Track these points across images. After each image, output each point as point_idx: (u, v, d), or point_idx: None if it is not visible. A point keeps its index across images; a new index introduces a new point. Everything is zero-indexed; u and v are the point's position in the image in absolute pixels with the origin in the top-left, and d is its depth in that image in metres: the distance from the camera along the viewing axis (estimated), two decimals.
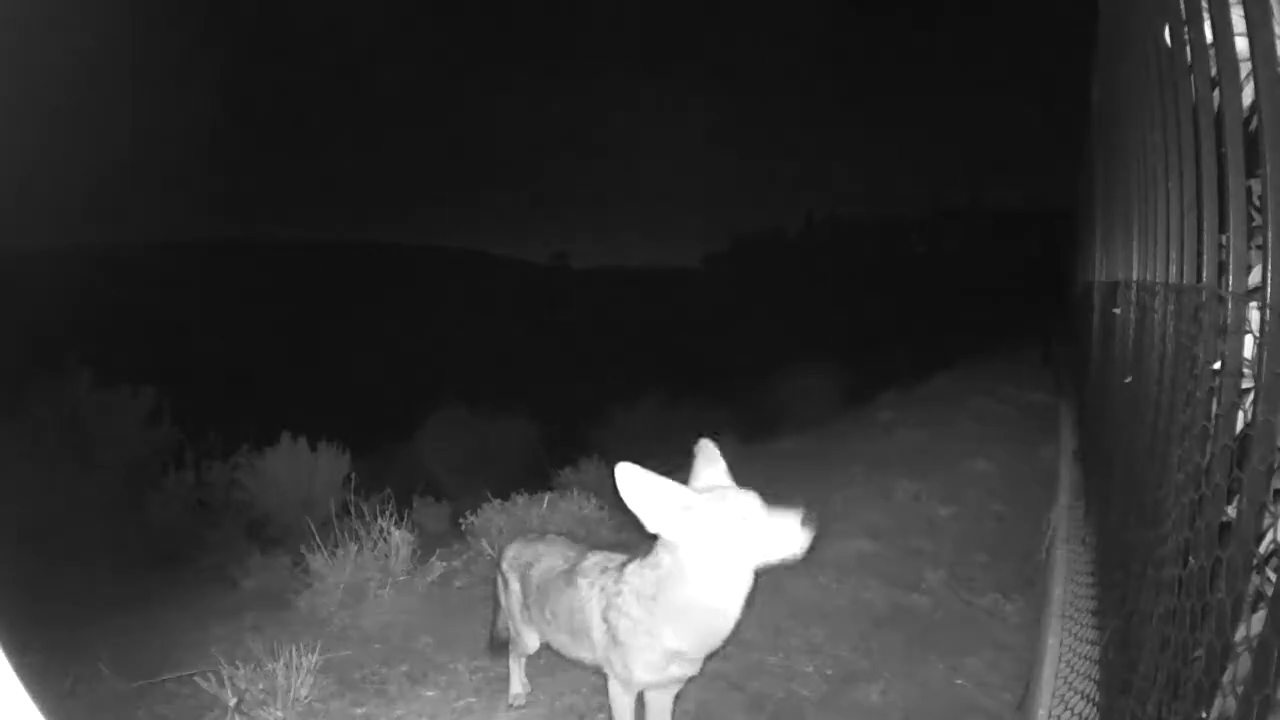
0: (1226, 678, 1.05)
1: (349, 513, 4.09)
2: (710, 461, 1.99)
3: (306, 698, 2.79)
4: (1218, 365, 1.18)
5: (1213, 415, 1.17)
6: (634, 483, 1.83)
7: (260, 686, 2.76)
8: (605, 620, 2.06)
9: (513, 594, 2.53)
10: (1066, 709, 2.15)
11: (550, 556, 2.42)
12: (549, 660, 2.86)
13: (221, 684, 2.76)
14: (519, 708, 2.72)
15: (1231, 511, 1.10)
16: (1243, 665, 1.01)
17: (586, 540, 4.36)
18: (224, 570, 5.09)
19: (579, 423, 13.37)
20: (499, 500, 4.74)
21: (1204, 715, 1.10)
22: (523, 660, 2.73)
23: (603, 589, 2.08)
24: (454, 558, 4.21)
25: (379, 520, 4.04)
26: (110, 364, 8.90)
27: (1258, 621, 1.05)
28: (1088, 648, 2.32)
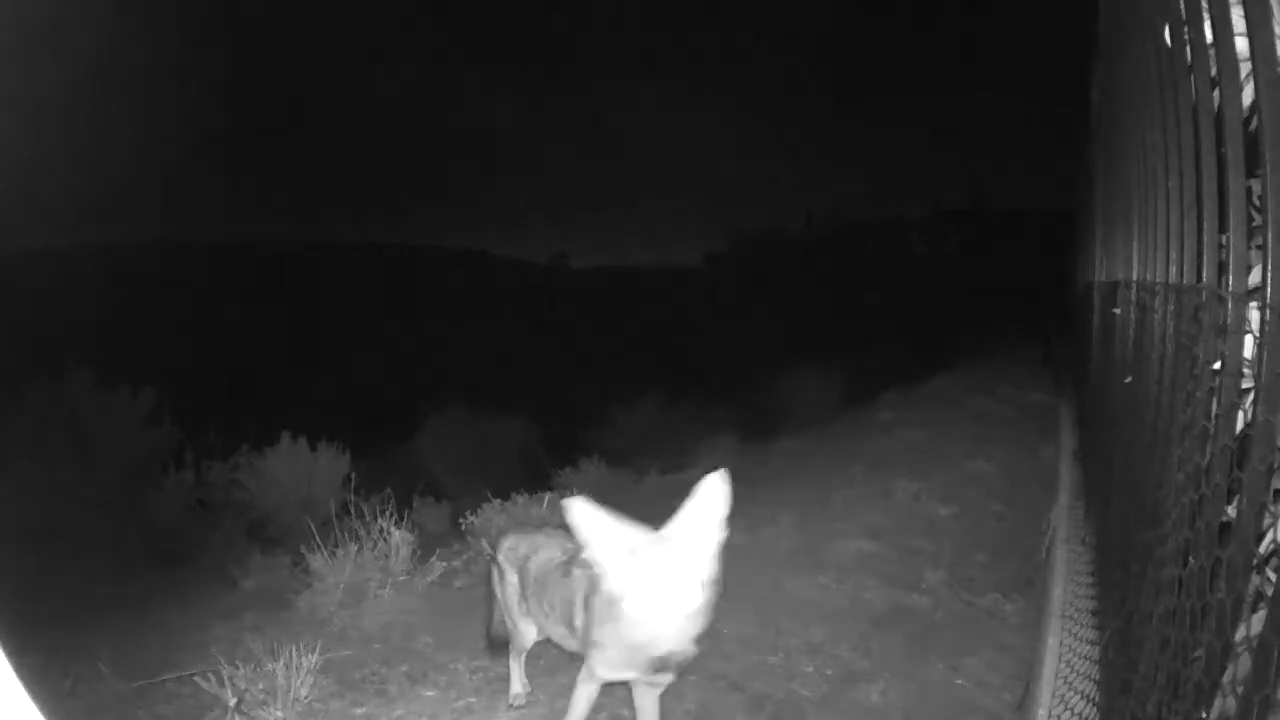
0: (1226, 678, 1.05)
1: (349, 513, 4.10)
2: (705, 502, 1.81)
3: (306, 698, 2.79)
4: (1218, 365, 1.18)
5: (1213, 415, 1.17)
6: (585, 519, 1.78)
7: (260, 686, 2.76)
8: (586, 608, 2.05)
9: (509, 586, 2.51)
10: (1066, 709, 2.15)
11: (548, 548, 2.41)
12: (549, 660, 2.86)
13: (221, 684, 2.76)
14: (519, 708, 2.72)
15: (1231, 511, 1.10)
16: (1243, 665, 1.01)
17: None
18: (224, 570, 5.09)
19: (579, 423, 13.37)
20: (499, 500, 4.75)
21: (1204, 715, 1.10)
22: (523, 659, 2.73)
23: (591, 579, 2.07)
24: (454, 558, 4.21)
25: (379, 520, 4.04)
26: (110, 364, 8.91)
27: (1258, 621, 1.05)
28: (1088, 648, 2.32)
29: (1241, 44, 1.08)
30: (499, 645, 2.76)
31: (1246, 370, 1.12)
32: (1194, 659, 1.13)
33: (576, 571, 2.17)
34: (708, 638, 1.87)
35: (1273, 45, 0.99)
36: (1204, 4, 1.22)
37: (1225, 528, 1.10)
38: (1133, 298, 2.26)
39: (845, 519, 4.47)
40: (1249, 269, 1.13)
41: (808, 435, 8.42)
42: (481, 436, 12.62)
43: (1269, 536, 1.06)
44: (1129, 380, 2.21)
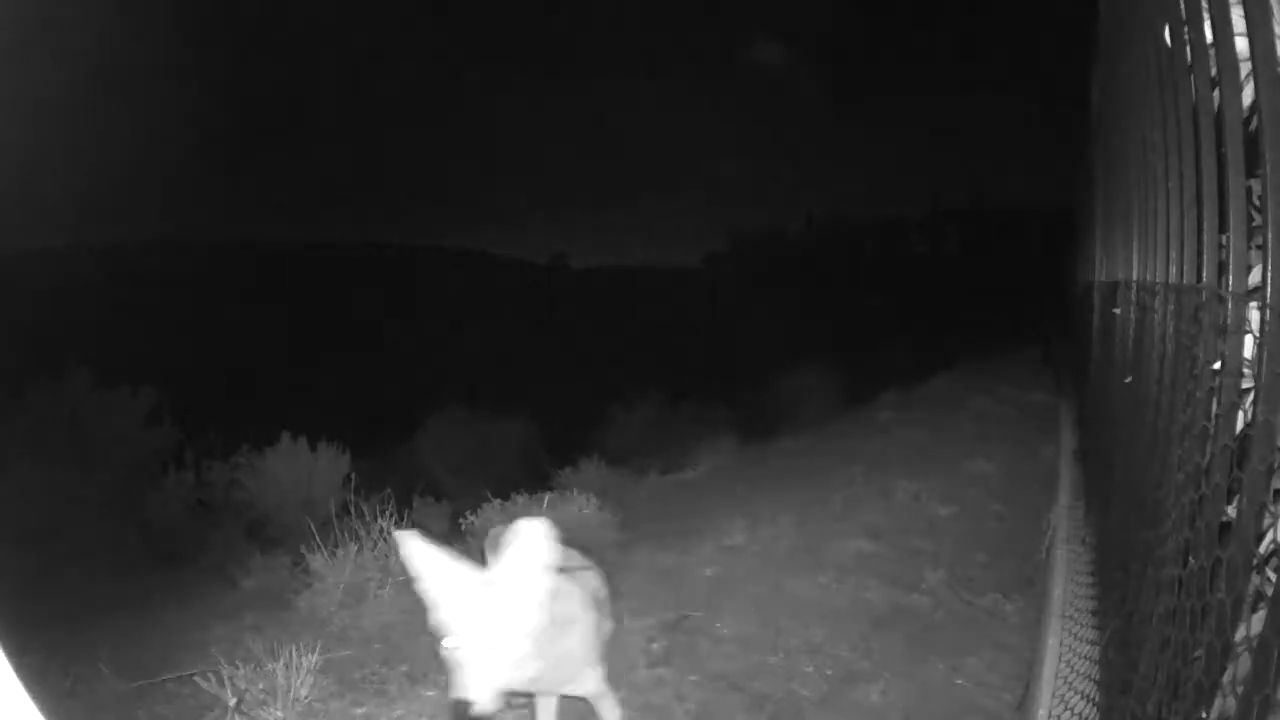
0: (1226, 678, 1.05)
1: (349, 513, 4.09)
2: (526, 548, 1.73)
3: (306, 698, 2.79)
4: (1218, 365, 1.18)
5: (1213, 415, 1.17)
6: (414, 554, 1.72)
7: (260, 686, 2.76)
8: None
9: None
10: (1066, 709, 2.15)
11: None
12: None
13: (221, 684, 2.76)
14: (519, 707, 2.72)
15: (1231, 511, 1.10)
16: (1243, 665, 1.01)
17: (588, 541, 4.37)
18: (224, 570, 5.09)
19: (579, 423, 13.37)
20: (499, 500, 4.75)
21: (1204, 715, 1.10)
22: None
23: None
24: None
25: (379, 520, 4.04)
26: (110, 364, 8.91)
27: (1258, 621, 1.05)
28: (1088, 648, 2.32)
29: (1241, 44, 1.08)
30: None
31: (1246, 370, 1.12)
32: (1194, 659, 1.13)
33: None
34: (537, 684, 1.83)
35: (1273, 45, 0.99)
36: (1204, 4, 1.22)
37: (1225, 528, 1.10)
38: (1133, 298, 2.26)
39: (845, 519, 4.47)
40: (1249, 269, 1.13)
41: (808, 435, 8.43)
42: (481, 436, 12.62)
43: (1269, 536, 1.06)
44: (1129, 380, 2.21)
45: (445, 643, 1.64)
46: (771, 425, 11.01)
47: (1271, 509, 1.04)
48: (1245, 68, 1.09)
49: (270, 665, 2.80)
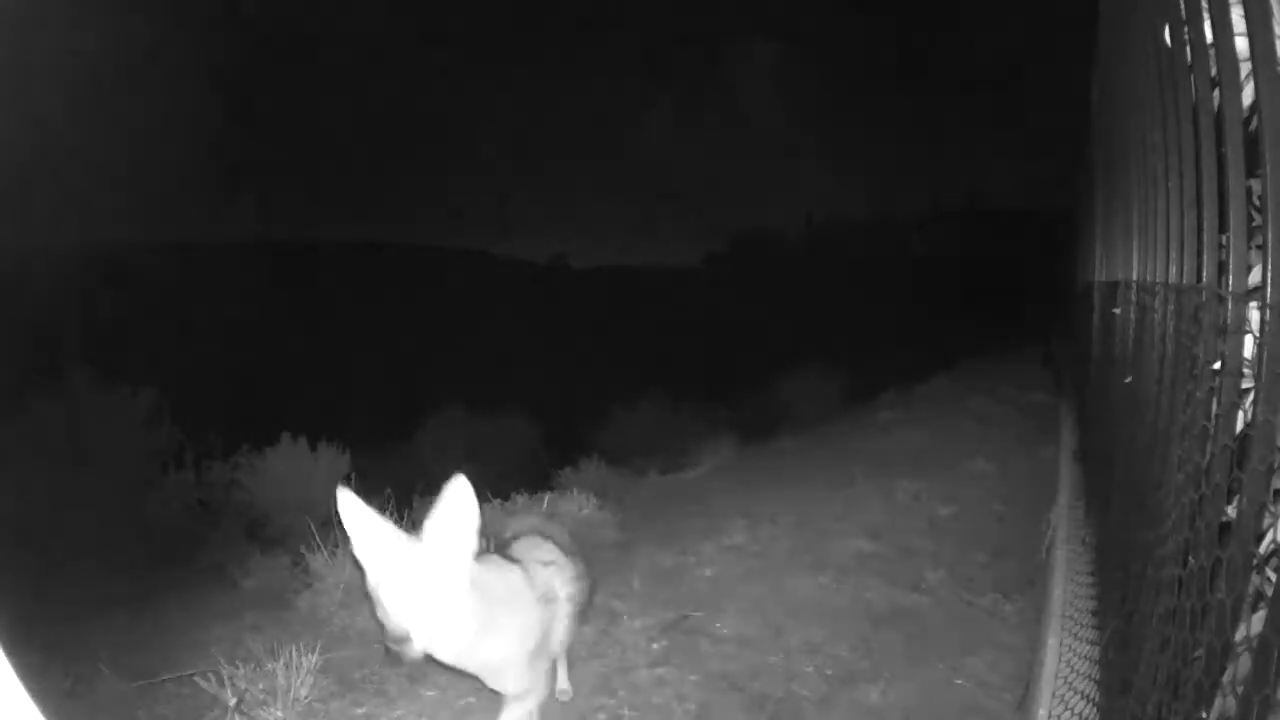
0: (1226, 678, 1.05)
1: None
2: (451, 506, 1.81)
3: (306, 698, 2.79)
4: (1218, 365, 1.18)
5: (1213, 415, 1.17)
6: (349, 512, 1.82)
7: (260, 686, 2.76)
8: None
9: None
10: (1066, 709, 2.15)
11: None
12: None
13: (221, 684, 2.76)
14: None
15: (1231, 511, 1.10)
16: (1243, 665, 1.01)
17: (588, 541, 4.37)
18: (224, 570, 5.09)
19: (579, 423, 13.36)
20: (499, 500, 4.75)
21: (1204, 715, 1.10)
22: (565, 656, 2.76)
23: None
24: None
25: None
26: (110, 364, 8.90)
27: (1258, 621, 1.05)
28: (1088, 648, 2.32)
29: (1241, 44, 1.08)
30: None
31: (1246, 370, 1.12)
32: (1194, 659, 1.13)
33: None
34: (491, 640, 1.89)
35: (1273, 45, 0.99)
36: (1204, 4, 1.22)
37: (1225, 528, 1.10)
38: (1133, 298, 2.26)
39: (845, 519, 4.47)
40: (1249, 269, 1.13)
41: (808, 435, 8.43)
42: (481, 436, 12.63)
43: (1269, 536, 1.06)
44: (1129, 380, 2.21)
45: (380, 601, 1.72)
46: (771, 425, 11.00)
47: (1271, 509, 1.04)
48: (1245, 68, 1.09)
49: (270, 665, 2.80)
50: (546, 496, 4.83)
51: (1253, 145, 1.06)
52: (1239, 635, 1.03)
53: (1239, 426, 1.13)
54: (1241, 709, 0.95)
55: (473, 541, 1.83)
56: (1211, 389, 1.20)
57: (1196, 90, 1.32)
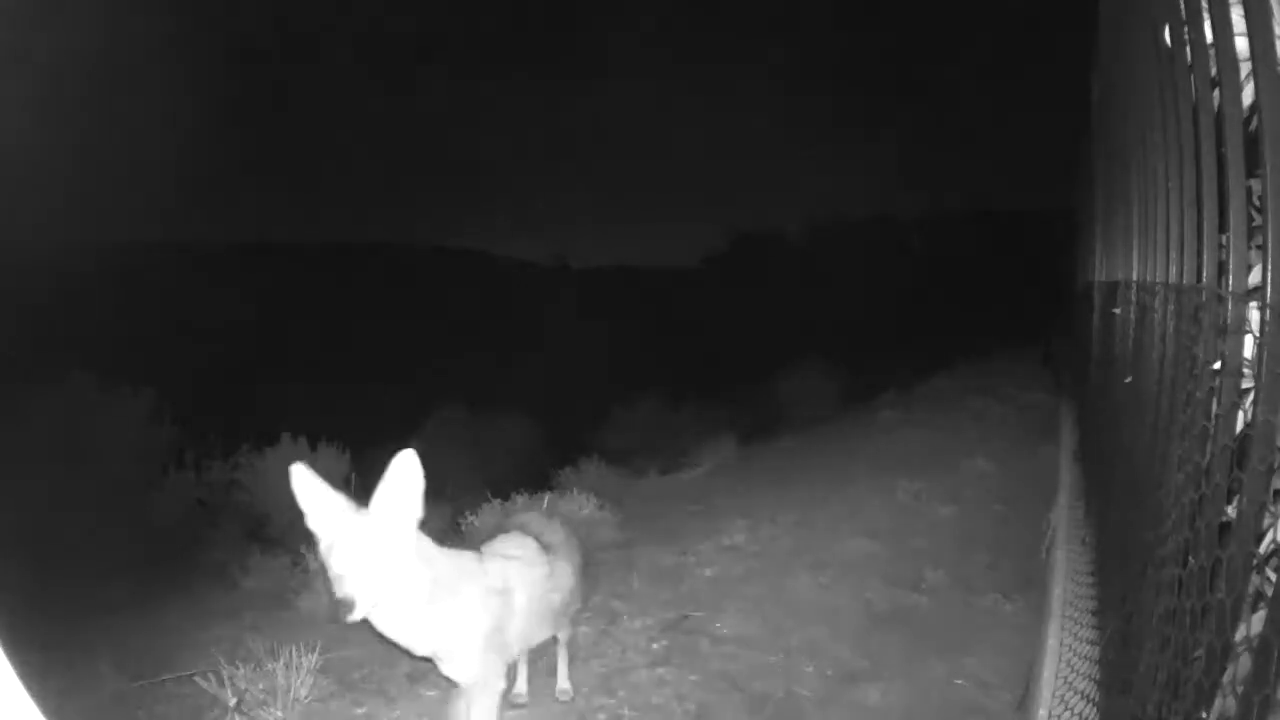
0: (1226, 678, 1.05)
1: None
2: (398, 478, 1.93)
3: (306, 698, 2.79)
4: (1218, 365, 1.18)
5: (1213, 415, 1.17)
6: (302, 485, 1.91)
7: (260, 686, 2.76)
8: None
9: None
10: (1066, 709, 2.15)
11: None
12: (550, 660, 2.86)
13: (221, 684, 2.76)
14: (519, 706, 2.72)
15: (1231, 511, 1.10)
16: (1243, 665, 1.01)
17: (588, 540, 4.37)
18: (224, 570, 5.09)
19: (579, 423, 13.36)
20: (499, 500, 4.75)
21: (1204, 715, 1.10)
22: (526, 657, 2.76)
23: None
24: None
25: None
26: (110, 364, 8.90)
27: (1258, 621, 1.05)
28: (1088, 648, 2.32)
29: (1241, 44, 1.08)
30: None
31: (1246, 370, 1.12)
32: (1194, 659, 1.13)
33: None
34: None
35: (1273, 45, 0.99)
36: (1204, 4, 1.22)
37: (1225, 528, 1.10)
38: (1133, 298, 2.26)
39: (845, 519, 4.47)
40: (1249, 269, 1.13)
41: (808, 435, 8.43)
42: (481, 436, 12.63)
43: (1269, 536, 1.06)
44: (1129, 380, 2.21)
45: (332, 567, 1.80)
46: (772, 425, 11.01)
47: (1271, 509, 1.04)
48: (1245, 68, 1.09)
49: (270, 665, 2.81)
50: (546, 496, 4.83)
51: (1253, 145, 1.06)
52: (1239, 635, 1.03)
53: (1239, 426, 1.13)
54: (1241, 709, 0.95)
55: (418, 511, 1.93)
56: (1211, 389, 1.20)
57: (1196, 90, 1.32)
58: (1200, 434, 1.22)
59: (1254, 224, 1.14)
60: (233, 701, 2.71)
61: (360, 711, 2.80)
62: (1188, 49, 1.37)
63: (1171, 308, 1.57)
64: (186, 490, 7.45)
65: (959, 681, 2.83)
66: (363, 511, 1.89)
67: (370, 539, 1.84)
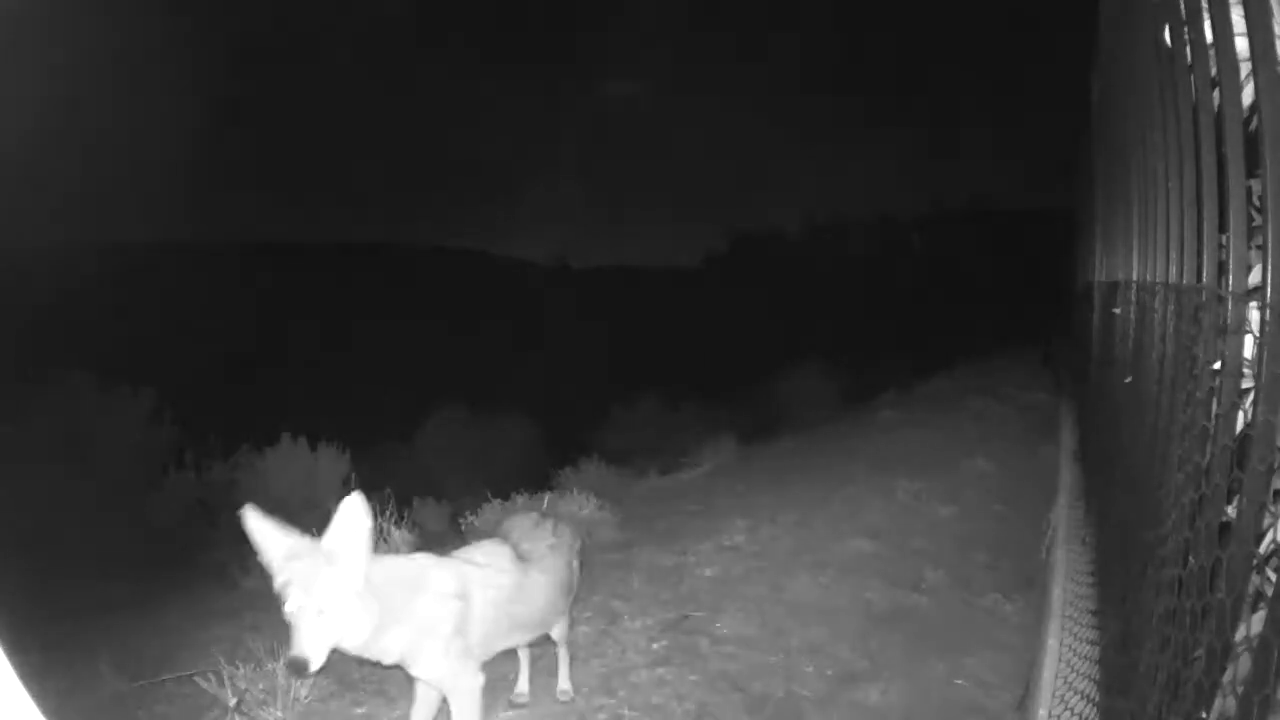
0: (1226, 678, 1.05)
1: None
2: (346, 521, 1.96)
3: (306, 698, 2.79)
4: (1218, 365, 1.18)
5: (1213, 415, 1.17)
6: (253, 527, 1.96)
7: (260, 686, 2.76)
8: None
9: None
10: (1066, 709, 2.15)
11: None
12: (550, 660, 2.86)
13: (221, 684, 2.76)
14: (520, 706, 2.73)
15: (1231, 511, 1.10)
16: (1243, 665, 1.01)
17: (587, 540, 4.37)
18: (224, 570, 5.09)
19: (579, 423, 13.37)
20: (499, 500, 4.75)
21: (1204, 715, 1.10)
22: (528, 657, 2.76)
23: None
24: None
25: (379, 520, 4.04)
26: (110, 364, 8.91)
27: (1258, 621, 1.05)
28: (1088, 648, 2.32)
29: (1241, 44, 1.08)
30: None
31: (1246, 370, 1.12)
32: (1194, 659, 1.13)
33: None
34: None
35: (1273, 45, 0.99)
36: (1204, 4, 1.22)
37: (1225, 528, 1.10)
38: (1133, 298, 2.26)
39: (845, 519, 4.47)
40: (1249, 269, 1.13)
41: (808, 435, 8.43)
42: (481, 436, 12.63)
43: (1269, 536, 1.06)
44: (1129, 380, 2.21)
45: (285, 607, 1.84)
46: (772, 425, 11.01)
47: (1271, 509, 1.04)
48: (1245, 68, 1.09)
49: (270, 665, 2.81)
50: (546, 496, 4.83)
51: (1253, 145, 1.06)
52: (1239, 635, 1.03)
53: (1239, 426, 1.13)
54: (1241, 709, 0.95)
55: (366, 553, 1.96)
56: (1211, 389, 1.20)
57: (1196, 90, 1.32)
58: (1200, 434, 1.22)
59: (1254, 224, 1.14)
60: (233, 701, 2.71)
61: (360, 711, 2.80)
62: (1188, 49, 1.37)
63: (1171, 308, 1.57)
64: (186, 490, 7.45)
65: (959, 681, 2.83)
66: (313, 551, 1.93)
67: (319, 584, 1.88)
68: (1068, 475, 4.36)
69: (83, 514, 6.78)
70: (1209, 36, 1.20)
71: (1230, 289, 1.13)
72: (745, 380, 16.36)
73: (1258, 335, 1.06)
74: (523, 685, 2.76)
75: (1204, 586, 1.10)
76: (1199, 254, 1.35)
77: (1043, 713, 2.21)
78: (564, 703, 2.73)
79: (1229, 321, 1.13)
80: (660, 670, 2.94)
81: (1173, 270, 1.58)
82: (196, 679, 2.87)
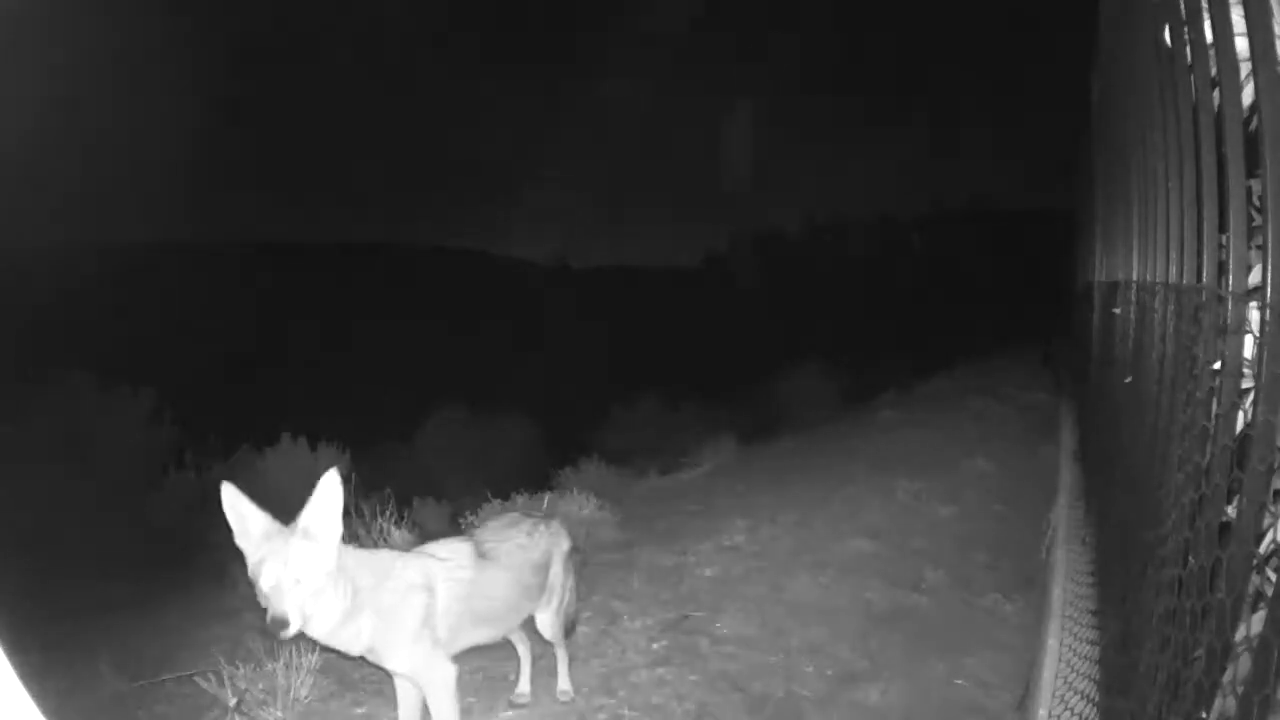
0: (1226, 678, 1.05)
1: (349, 513, 4.09)
2: (324, 498, 2.02)
3: (306, 698, 2.79)
4: (1218, 365, 1.18)
5: (1213, 415, 1.17)
6: (230, 504, 2.04)
7: (260, 686, 2.76)
8: None
9: None
10: (1066, 709, 2.15)
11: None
12: (550, 660, 2.86)
13: (221, 684, 2.76)
14: (520, 706, 2.73)
15: (1231, 511, 1.10)
16: (1243, 665, 1.01)
17: (587, 540, 4.37)
18: (224, 570, 5.08)
19: (579, 423, 13.36)
20: (499, 500, 4.75)
21: (1204, 715, 1.10)
22: (529, 657, 2.76)
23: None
24: None
25: (379, 520, 4.04)
26: (110, 364, 8.91)
27: (1258, 621, 1.05)
28: (1088, 648, 2.32)
29: (1241, 44, 1.08)
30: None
31: (1246, 370, 1.12)
32: (1194, 659, 1.13)
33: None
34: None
35: (1273, 45, 0.99)
36: (1204, 4, 1.22)
37: (1225, 528, 1.10)
38: (1133, 298, 2.26)
39: (845, 519, 4.47)
40: (1249, 269, 1.13)
41: (808, 435, 8.43)
42: (481, 436, 12.63)
43: (1269, 536, 1.06)
44: (1129, 380, 2.21)
45: (260, 581, 1.91)
46: (772, 425, 11.01)
47: (1271, 509, 1.04)
48: (1245, 68, 1.09)
49: (270, 665, 2.81)
50: (546, 496, 4.83)
51: (1253, 145, 1.06)
52: (1239, 635, 1.03)
53: (1239, 426, 1.13)
54: (1241, 709, 0.95)
55: (339, 528, 2.03)
56: (1211, 389, 1.20)
57: (1196, 90, 1.32)
58: (1200, 434, 1.22)
59: (1254, 224, 1.14)
60: (233, 701, 2.71)
61: (360, 711, 2.80)
62: (1188, 49, 1.37)
63: (1171, 308, 1.57)
64: (186, 490, 7.45)
65: (959, 681, 2.83)
66: (288, 530, 1.99)
67: (296, 556, 1.93)
68: (1068, 475, 4.36)
69: (83, 514, 6.78)
70: (1209, 36, 1.20)
71: (1230, 289, 1.13)
72: (745, 380, 16.35)
73: (1258, 335, 1.06)
74: (523, 685, 2.77)
75: (1204, 586, 1.10)
76: (1199, 254, 1.35)
77: (1043, 713, 2.21)
78: (564, 703, 2.73)
79: (1229, 321, 1.13)
80: (660, 670, 2.94)
81: (1173, 270, 1.58)
82: (196, 679, 2.87)
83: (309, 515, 2.00)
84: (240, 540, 2.01)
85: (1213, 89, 1.25)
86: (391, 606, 2.12)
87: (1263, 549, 1.06)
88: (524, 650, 2.77)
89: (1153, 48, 1.77)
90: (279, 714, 2.69)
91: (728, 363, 20.79)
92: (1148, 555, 1.55)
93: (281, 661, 2.79)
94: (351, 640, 2.09)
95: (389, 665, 2.19)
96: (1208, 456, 1.17)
